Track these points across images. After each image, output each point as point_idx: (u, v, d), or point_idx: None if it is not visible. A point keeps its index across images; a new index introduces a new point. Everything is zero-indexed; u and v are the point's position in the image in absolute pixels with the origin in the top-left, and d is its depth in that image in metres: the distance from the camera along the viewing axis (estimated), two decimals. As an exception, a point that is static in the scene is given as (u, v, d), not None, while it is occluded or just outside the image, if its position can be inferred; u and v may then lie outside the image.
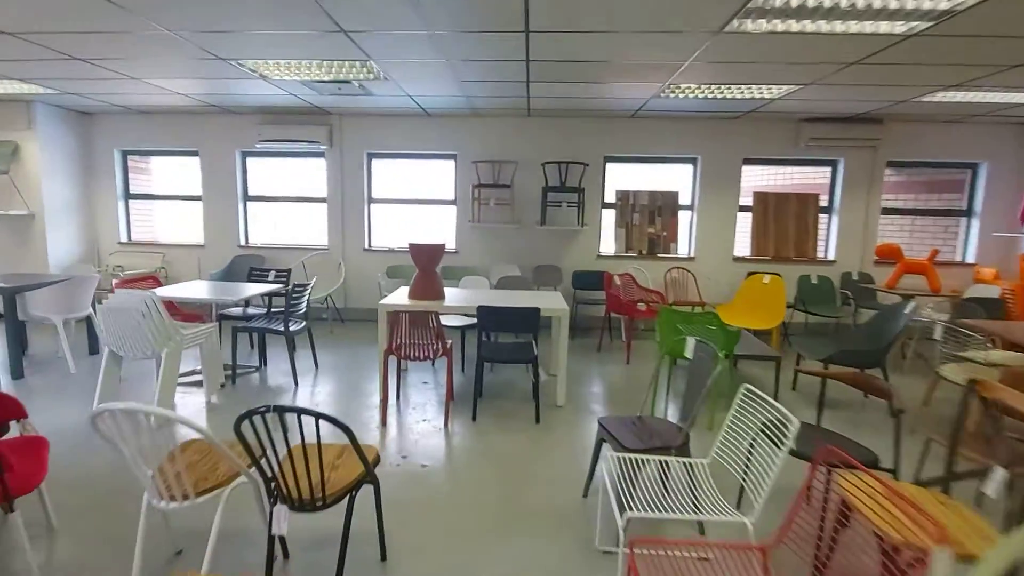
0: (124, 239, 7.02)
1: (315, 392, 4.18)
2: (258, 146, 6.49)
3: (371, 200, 6.82)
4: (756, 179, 6.98)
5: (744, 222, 6.56)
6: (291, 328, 4.30)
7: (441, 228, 6.88)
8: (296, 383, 4.36)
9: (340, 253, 6.73)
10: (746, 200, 6.51)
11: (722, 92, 4.92)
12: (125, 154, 6.97)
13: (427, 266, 4.03)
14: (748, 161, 6.42)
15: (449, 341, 3.64)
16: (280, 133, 6.42)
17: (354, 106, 6.03)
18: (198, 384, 4.25)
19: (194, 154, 6.82)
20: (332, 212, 6.73)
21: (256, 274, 5.28)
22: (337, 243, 6.75)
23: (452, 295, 4.29)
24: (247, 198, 6.94)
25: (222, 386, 4.23)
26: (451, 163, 6.68)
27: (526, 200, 6.51)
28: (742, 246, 6.60)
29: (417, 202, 6.80)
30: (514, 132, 6.43)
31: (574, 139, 6.42)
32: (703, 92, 4.95)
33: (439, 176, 6.82)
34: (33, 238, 6.32)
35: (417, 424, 3.58)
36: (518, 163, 6.42)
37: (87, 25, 3.52)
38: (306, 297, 4.52)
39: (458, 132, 6.48)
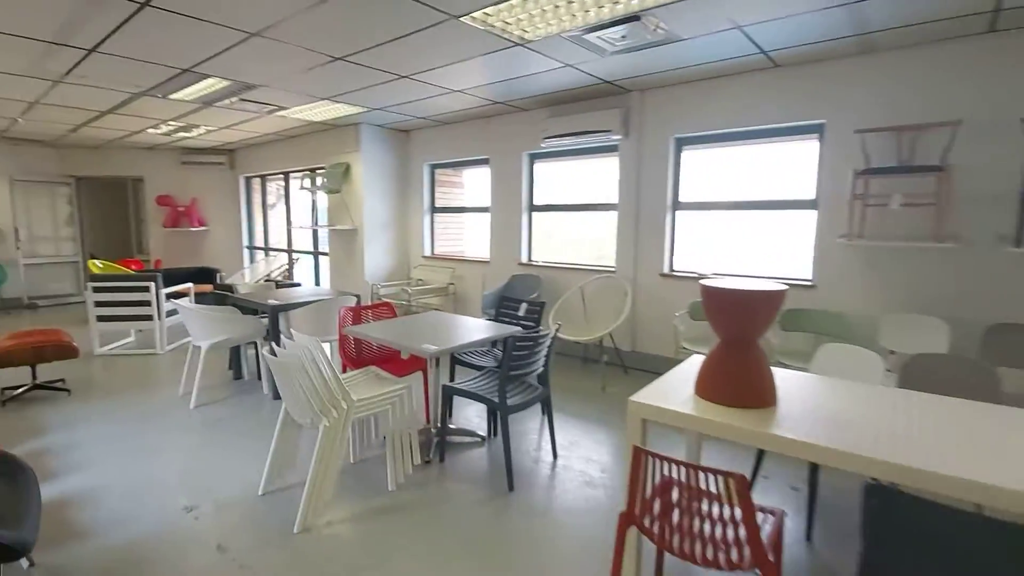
0: (428, 252, 6.96)
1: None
2: (544, 145, 5.33)
3: (676, 205, 4.83)
4: None
5: None
6: (512, 397, 2.78)
7: (787, 244, 4.35)
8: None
9: (630, 277, 4.98)
10: None
11: None
12: (433, 168, 6.90)
13: (740, 331, 1.85)
14: None
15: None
16: (566, 125, 5.10)
17: (655, 72, 4.18)
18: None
19: (485, 162, 6.19)
20: (623, 222, 5.04)
21: (506, 306, 4.01)
22: (627, 264, 5.02)
23: (796, 392, 1.97)
24: (532, 208, 5.90)
25: (427, 462, 3.03)
26: (811, 142, 4.10)
27: (974, 196, 3.40)
28: None
29: (746, 206, 4.46)
30: (951, 70, 3.42)
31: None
32: None
33: (786, 165, 4.32)
34: (355, 251, 6.74)
35: None
36: (963, 123, 3.37)
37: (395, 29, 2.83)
38: (541, 353, 2.93)
39: (831, 85, 3.87)
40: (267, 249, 8.58)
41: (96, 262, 6.73)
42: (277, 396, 4.16)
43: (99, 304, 5.37)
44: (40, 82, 4.58)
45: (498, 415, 3.19)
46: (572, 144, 5.25)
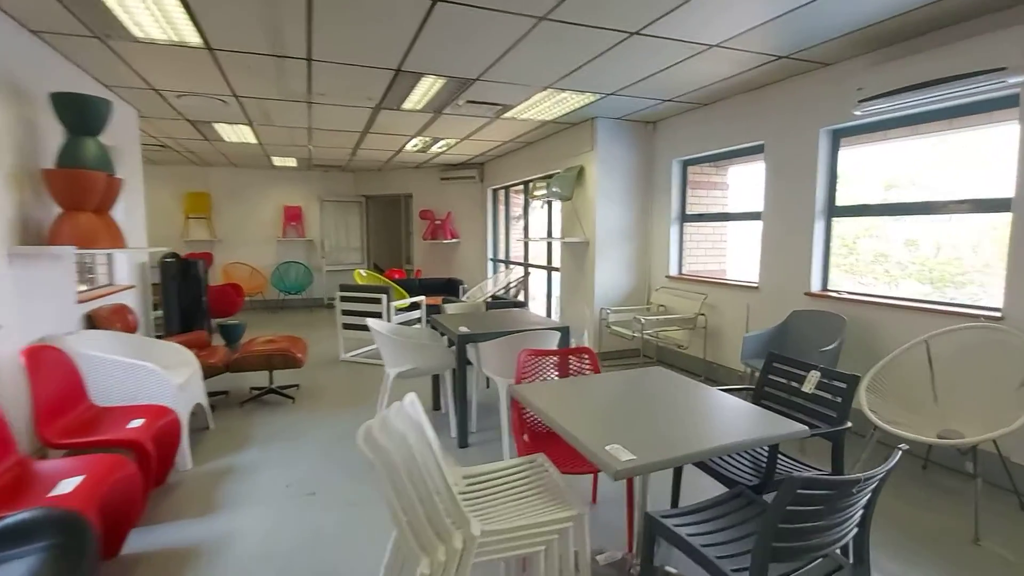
0: (674, 271, 5.54)
1: None
2: (859, 111, 3.43)
3: None
4: None
5: None
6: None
7: None
8: None
9: (1035, 333, 2.73)
10: None
11: None
12: (685, 165, 5.45)
13: None
14: None
15: None
16: (900, 76, 3.12)
17: None
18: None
19: (759, 151, 4.47)
20: (1019, 233, 2.81)
21: (778, 370, 2.41)
22: (1021, 303, 2.78)
23: None
24: (832, 211, 3.96)
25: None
26: None
27: None
28: None
29: None
30: None
31: None
32: None
33: None
34: (585, 267, 5.77)
35: None
36: None
37: None
38: (854, 511, 1.37)
39: None
40: (507, 262, 8.36)
41: (361, 271, 7.37)
42: (464, 443, 3.42)
43: (345, 313, 5.63)
44: (296, 105, 4.89)
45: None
46: (914, 105, 3.21)
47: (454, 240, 9.09)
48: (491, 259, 8.90)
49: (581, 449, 1.66)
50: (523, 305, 5.26)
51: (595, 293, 5.58)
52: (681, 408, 1.93)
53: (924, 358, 3.01)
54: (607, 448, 1.58)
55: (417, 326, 5.27)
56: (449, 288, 8.18)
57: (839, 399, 2.13)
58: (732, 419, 1.84)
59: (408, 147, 7.16)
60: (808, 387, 2.26)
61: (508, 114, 5.26)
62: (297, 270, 9.58)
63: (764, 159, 4.34)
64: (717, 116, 4.79)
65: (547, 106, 4.95)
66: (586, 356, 2.63)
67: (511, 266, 8.06)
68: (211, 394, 4.34)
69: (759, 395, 2.46)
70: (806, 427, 1.78)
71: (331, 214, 9.77)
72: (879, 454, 3.24)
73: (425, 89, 4.40)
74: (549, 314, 6.91)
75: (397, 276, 8.72)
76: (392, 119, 5.48)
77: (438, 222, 9.00)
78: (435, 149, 7.32)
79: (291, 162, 8.56)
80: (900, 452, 1.47)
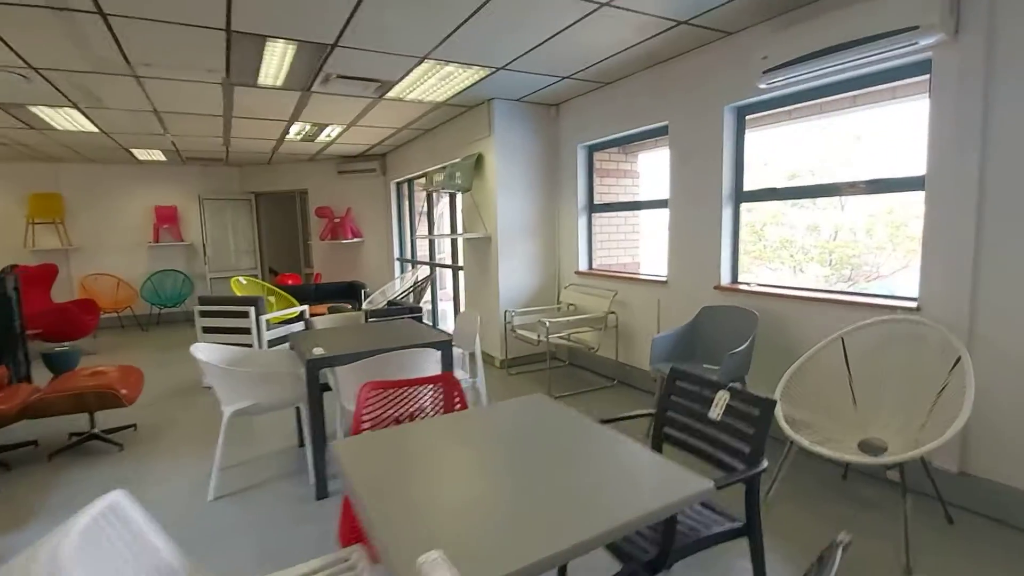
0: (584, 267, 5.11)
1: None
2: (764, 83, 3.08)
3: (1093, 169, 2.16)
4: None
5: None
6: None
7: None
8: None
9: (959, 322, 2.45)
10: None
11: None
12: (590, 150, 5.02)
13: None
14: None
15: None
16: (806, 41, 2.78)
17: None
18: None
19: (664, 132, 4.09)
20: (938, 209, 2.53)
21: (688, 375, 1.95)
22: (946, 294, 2.50)
23: None
24: (740, 196, 3.63)
25: None
26: None
27: None
28: None
29: None
30: None
31: None
32: None
33: None
34: (489, 266, 5.22)
35: None
36: None
37: None
38: None
39: None
40: (414, 262, 7.67)
41: (240, 279, 6.44)
42: (324, 493, 2.76)
43: (207, 331, 4.75)
44: (121, 80, 3.98)
45: None
46: (821, 73, 2.88)
47: (357, 239, 8.27)
48: (398, 259, 8.17)
49: (386, 562, 1.08)
50: (418, 312, 4.64)
51: (500, 294, 5.04)
52: (554, 472, 1.39)
53: (840, 357, 2.69)
54: (421, 562, 1.01)
55: (283, 346, 4.52)
56: (350, 293, 7.39)
57: (752, 431, 1.68)
58: (620, 484, 1.32)
59: (292, 135, 6.31)
60: (715, 412, 1.81)
61: (392, 94, 4.59)
62: (175, 279, 8.40)
63: (668, 141, 3.96)
64: (620, 95, 4.38)
65: (433, 84, 4.34)
66: (453, 390, 2.06)
67: (418, 266, 7.39)
68: (10, 446, 3.42)
69: (661, 420, 1.99)
70: (711, 483, 1.30)
71: (215, 215, 8.65)
72: (801, 467, 2.91)
73: (278, 59, 3.66)
74: (435, 324, 6.25)
75: (291, 282, 7.81)
76: (255, 100, 4.66)
77: (337, 220, 8.15)
78: (324, 138, 6.50)
79: (157, 155, 7.41)
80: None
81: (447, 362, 2.99)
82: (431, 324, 7.14)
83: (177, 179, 8.37)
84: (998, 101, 2.29)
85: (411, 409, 2.02)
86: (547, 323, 4.17)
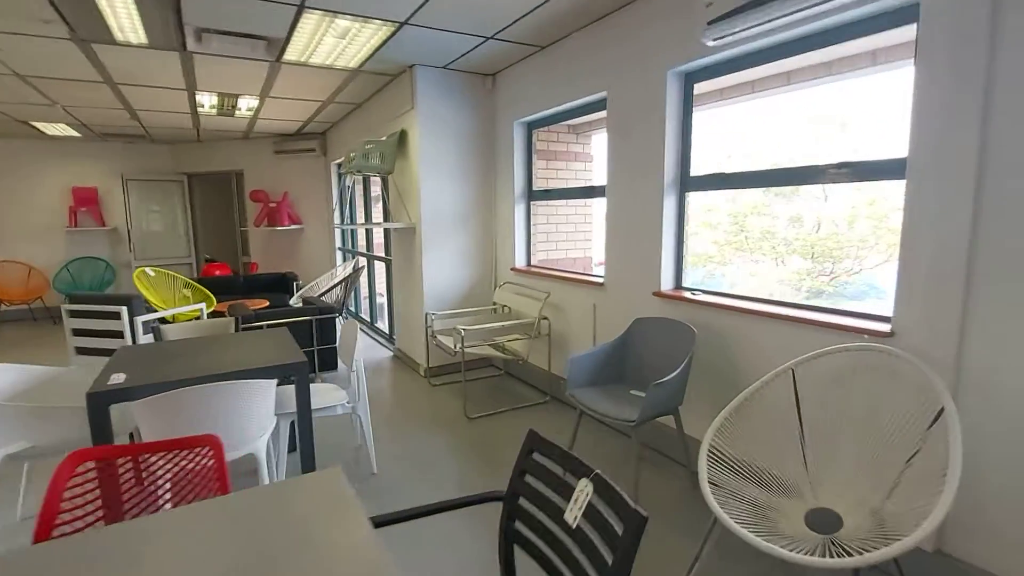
0: (521, 263, 4.46)
1: None
2: (709, 40, 2.42)
3: None
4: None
5: None
6: None
7: None
8: None
9: (942, 355, 1.84)
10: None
11: None
12: (529, 127, 4.34)
13: None
14: None
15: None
16: (762, -23, 2.12)
17: None
18: None
19: (602, 106, 3.43)
20: (914, 204, 1.91)
21: (538, 468, 1.32)
22: (927, 317, 1.89)
23: None
24: (686, 183, 2.98)
25: None
26: None
27: None
28: None
29: None
30: None
31: None
32: None
33: None
34: (414, 260, 4.56)
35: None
36: None
37: None
38: None
39: None
40: (355, 252, 6.98)
41: (147, 270, 5.72)
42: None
43: (77, 333, 4.07)
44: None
45: None
46: (780, 25, 2.23)
47: (296, 226, 7.55)
48: (339, 248, 7.48)
49: None
50: (330, 313, 3.98)
51: (424, 292, 4.39)
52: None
53: (790, 395, 2.08)
54: None
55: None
56: (282, 286, 6.71)
57: (611, 556, 1.06)
58: None
59: (207, 108, 5.57)
60: (572, 515, 1.18)
61: (291, 56, 3.88)
62: (95, 268, 7.65)
63: (606, 116, 3.30)
64: (560, 62, 3.70)
65: (334, 44, 3.63)
66: (207, 450, 1.41)
67: (357, 258, 6.71)
68: None
69: (511, 510, 1.37)
70: None
71: (142, 197, 7.87)
72: (724, 551, 2.30)
73: (124, 10, 2.95)
74: (373, 321, 5.51)
75: (218, 272, 7.09)
76: (129, 62, 3.93)
77: (273, 205, 7.41)
78: (244, 112, 5.77)
79: (67, 130, 6.62)
80: None
81: (303, 396, 2.35)
82: (370, 322, 6.48)
83: (96, 157, 7.58)
84: (1007, 50, 1.66)
85: (145, 494, 1.37)
86: (462, 331, 3.52)
